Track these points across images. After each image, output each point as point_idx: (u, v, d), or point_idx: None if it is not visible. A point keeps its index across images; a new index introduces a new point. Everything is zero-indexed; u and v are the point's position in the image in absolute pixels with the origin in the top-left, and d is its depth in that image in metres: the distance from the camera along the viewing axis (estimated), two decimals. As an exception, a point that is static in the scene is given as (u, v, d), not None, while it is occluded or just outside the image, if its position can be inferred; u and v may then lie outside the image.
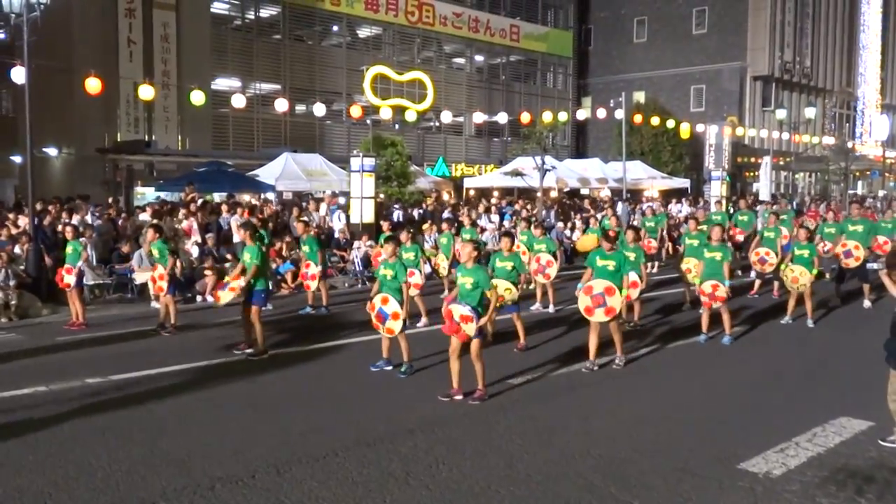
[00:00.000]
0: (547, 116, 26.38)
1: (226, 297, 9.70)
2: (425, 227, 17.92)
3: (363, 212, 19.41)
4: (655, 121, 31.40)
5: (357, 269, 16.88)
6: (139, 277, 14.12)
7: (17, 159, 28.21)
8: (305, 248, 13.10)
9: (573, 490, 5.44)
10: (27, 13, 14.42)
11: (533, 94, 43.39)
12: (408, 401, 7.70)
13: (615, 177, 31.81)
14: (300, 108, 31.36)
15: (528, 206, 24.48)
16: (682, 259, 12.84)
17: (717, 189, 28.04)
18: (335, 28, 35.81)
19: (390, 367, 8.75)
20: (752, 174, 43.78)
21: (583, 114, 35.11)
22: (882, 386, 6.45)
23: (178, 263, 11.62)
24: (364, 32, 37.01)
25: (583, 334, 9.31)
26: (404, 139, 29.77)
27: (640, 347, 10.14)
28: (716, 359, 9.72)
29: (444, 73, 39.24)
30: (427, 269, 13.41)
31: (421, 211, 24.42)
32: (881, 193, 45.33)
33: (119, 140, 27.28)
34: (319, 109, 24.40)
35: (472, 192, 32.31)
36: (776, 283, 14.09)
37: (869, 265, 13.06)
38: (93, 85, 16.85)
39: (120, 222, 16.79)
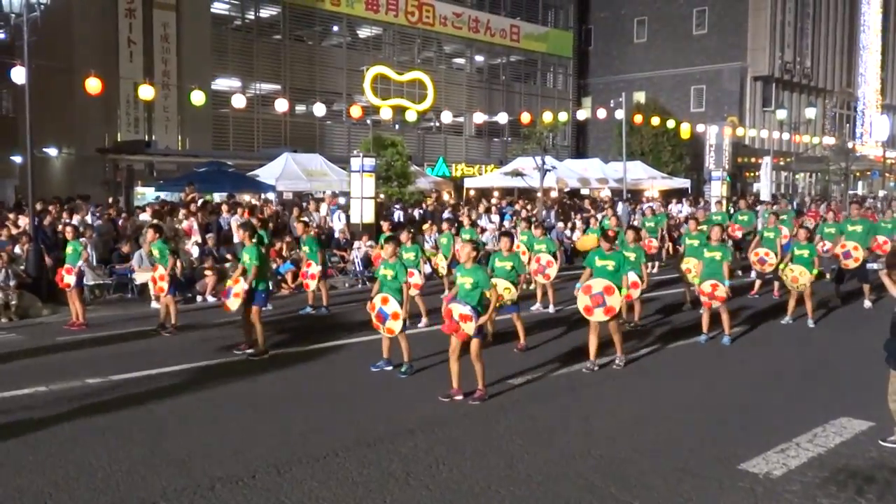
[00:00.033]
0: (547, 117, 26.39)
1: (234, 304, 9.68)
2: (425, 227, 17.93)
3: (363, 212, 19.41)
4: (656, 121, 31.41)
5: (357, 269, 16.88)
6: (139, 278, 14.12)
7: (18, 159, 28.22)
8: (305, 249, 13.11)
9: (573, 490, 5.44)
10: (27, 13, 14.42)
11: (533, 94, 43.38)
12: (408, 401, 7.70)
13: (615, 177, 31.81)
14: (300, 108, 31.37)
15: (528, 207, 24.48)
16: (683, 259, 12.85)
17: (717, 189, 28.05)
18: (335, 28, 35.81)
19: (391, 368, 8.75)
20: (752, 174, 43.78)
21: (583, 114, 35.12)
22: (882, 386, 6.45)
23: (179, 263, 11.61)
24: (364, 32, 37.01)
25: (583, 335, 9.31)
26: (404, 139, 29.77)
27: (641, 348, 10.14)
28: (716, 359, 9.72)
29: (444, 74, 39.24)
30: (427, 269, 13.41)
31: (421, 211, 24.42)
32: (881, 194, 45.32)
33: (119, 140, 27.28)
34: (319, 109, 24.41)
35: (472, 193, 32.31)
36: (776, 284, 14.09)
37: (869, 265, 13.06)
38: (93, 85, 16.86)
39: (120, 222, 16.79)
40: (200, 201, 18.58)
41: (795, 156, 41.34)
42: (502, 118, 28.67)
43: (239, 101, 21.58)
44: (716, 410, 7.44)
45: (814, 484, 5.57)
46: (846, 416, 7.05)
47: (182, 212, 16.92)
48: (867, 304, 13.46)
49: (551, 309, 12.88)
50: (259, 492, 5.38)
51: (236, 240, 15.64)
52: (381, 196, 23.37)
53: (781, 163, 42.30)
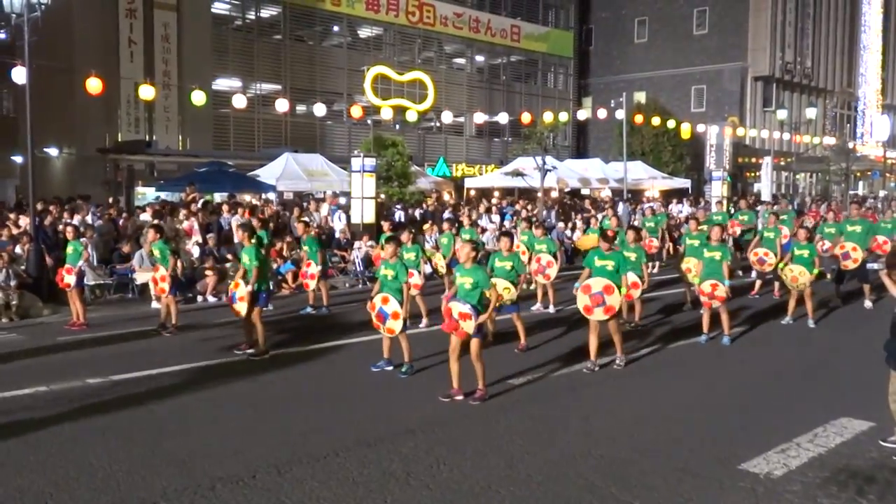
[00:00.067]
0: (548, 117, 26.40)
1: (242, 307, 9.64)
2: (426, 227, 17.93)
3: (364, 212, 19.41)
4: (656, 121, 31.41)
5: (357, 269, 16.89)
6: (140, 278, 14.13)
7: (18, 159, 28.21)
8: (306, 249, 13.11)
9: (574, 490, 5.44)
10: (28, 13, 14.42)
11: (533, 94, 43.38)
12: (408, 401, 7.70)
13: (616, 177, 31.82)
14: (301, 108, 31.37)
15: (529, 207, 24.48)
16: (683, 259, 12.85)
17: (717, 189, 28.06)
18: (336, 28, 35.82)
19: (391, 368, 8.75)
20: (752, 174, 43.77)
21: (583, 114, 35.13)
22: (883, 386, 6.45)
23: (179, 264, 11.62)
24: (365, 33, 37.01)
25: (583, 335, 9.30)
26: (405, 139, 29.77)
27: (641, 348, 10.14)
28: (716, 359, 9.72)
29: (444, 74, 39.24)
30: (427, 269, 13.41)
31: (422, 211, 24.42)
32: (882, 194, 45.30)
33: (120, 140, 27.29)
34: (320, 109, 24.42)
35: (472, 193, 32.32)
36: (776, 284, 14.09)
37: (869, 265, 13.07)
38: (93, 85, 16.86)
39: (121, 222, 16.79)
40: (201, 201, 18.59)
41: (796, 156, 41.35)
42: (503, 118, 28.68)
43: (239, 101, 21.59)
44: (716, 410, 7.44)
45: (814, 484, 5.57)
46: (847, 416, 7.05)
47: (183, 212, 16.92)
48: (868, 304, 13.46)
49: (552, 309, 12.88)
50: (259, 492, 5.38)
51: (237, 240, 15.64)
52: (382, 196, 23.37)
53: (782, 163, 42.30)
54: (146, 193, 25.72)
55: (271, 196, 23.19)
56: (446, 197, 28.88)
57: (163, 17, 28.02)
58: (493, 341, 9.86)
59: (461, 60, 41.22)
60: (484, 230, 19.28)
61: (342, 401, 7.75)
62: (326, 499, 5.29)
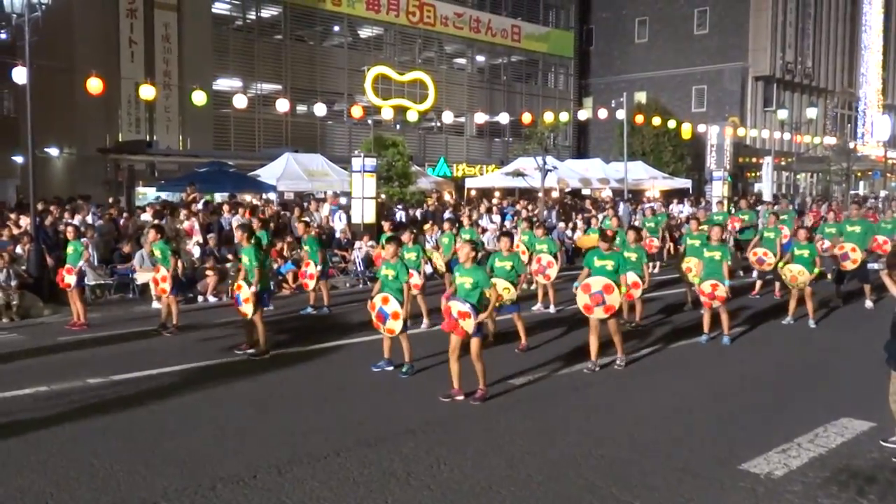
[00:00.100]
0: (548, 117, 26.40)
1: (248, 309, 9.63)
2: (426, 227, 17.93)
3: (364, 212, 19.41)
4: (657, 121, 31.40)
5: (358, 269, 16.89)
6: (140, 278, 14.13)
7: (19, 159, 28.23)
8: (307, 249, 13.12)
9: (574, 490, 5.44)
10: (28, 13, 14.43)
11: (534, 94, 43.37)
12: (409, 401, 7.70)
13: (617, 177, 31.81)
14: (301, 108, 31.38)
15: (529, 207, 24.47)
16: (683, 259, 12.86)
17: (718, 189, 28.07)
18: (336, 28, 35.82)
19: (391, 368, 8.75)
20: (753, 174, 43.75)
21: (584, 114, 35.13)
22: (883, 386, 6.45)
23: (180, 264, 11.62)
24: (365, 33, 37.01)
25: (584, 335, 9.30)
26: (405, 139, 29.76)
27: (642, 348, 10.14)
28: (717, 359, 9.71)
29: (445, 74, 39.23)
30: (428, 269, 13.41)
31: (423, 211, 24.42)
32: (883, 194, 45.29)
33: (120, 140, 27.31)
34: (321, 109, 24.42)
35: (473, 193, 32.32)
36: (777, 284, 14.09)
37: (870, 265, 13.06)
38: (94, 85, 16.87)
39: (121, 222, 16.80)
40: (202, 201, 18.59)
41: (797, 156, 41.34)
42: (503, 118, 28.68)
43: (240, 101, 21.59)
44: (716, 410, 7.44)
45: (815, 484, 5.57)
46: (847, 416, 7.04)
47: (183, 212, 16.93)
48: (868, 304, 13.46)
49: (552, 309, 12.88)
50: (260, 492, 5.38)
51: (237, 240, 15.65)
52: (382, 196, 23.38)
53: (783, 163, 42.29)
54: (147, 193, 25.74)
55: (272, 196, 23.19)
56: (447, 197, 28.87)
57: (163, 16, 28.03)
58: (494, 341, 9.86)
59: (462, 60, 41.23)
60: (484, 230, 19.28)
61: (343, 401, 7.75)
62: (327, 499, 5.29)
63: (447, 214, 20.52)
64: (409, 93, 35.81)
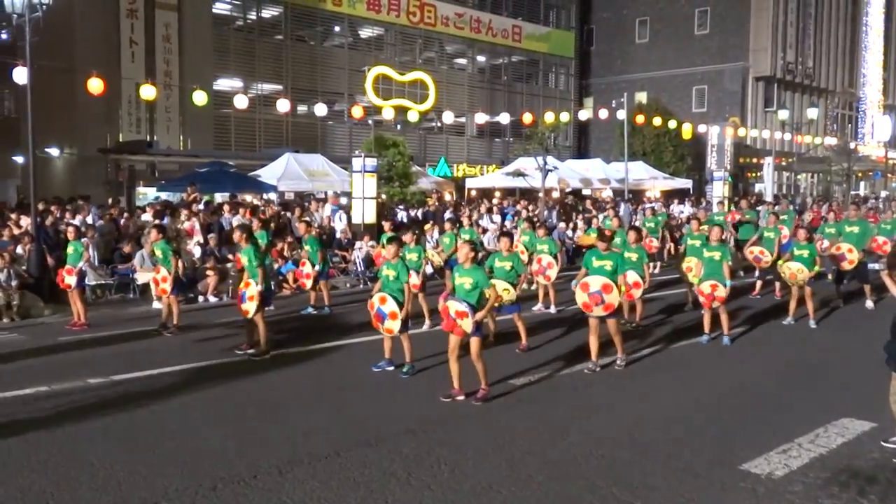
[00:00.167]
0: (549, 117, 26.43)
1: (251, 306, 9.62)
2: (427, 227, 17.93)
3: (365, 212, 19.41)
4: (657, 121, 31.43)
5: (358, 269, 16.89)
6: (141, 278, 14.13)
7: (20, 159, 28.23)
8: (307, 249, 13.12)
9: (575, 490, 5.44)
10: (29, 13, 14.42)
11: (535, 94, 43.37)
12: (409, 401, 7.70)
13: (617, 177, 31.82)
14: (302, 108, 31.39)
15: (530, 207, 24.47)
16: (684, 259, 12.86)
17: (718, 189, 28.07)
18: (337, 28, 35.83)
19: (392, 368, 8.75)
20: (754, 175, 43.76)
21: (585, 114, 35.16)
22: (884, 387, 6.44)
23: (181, 264, 11.62)
24: (366, 33, 37.02)
25: (584, 335, 9.29)
26: (406, 139, 29.75)
27: (642, 348, 10.14)
28: (717, 359, 9.71)
29: (445, 74, 39.23)
30: (429, 269, 13.41)
31: (423, 211, 24.42)
32: (883, 194, 45.28)
33: (121, 140, 27.32)
34: (321, 110, 24.44)
35: (473, 193, 32.32)
36: (777, 284, 14.10)
37: (870, 265, 13.06)
38: (95, 85, 16.89)
39: (122, 222, 16.80)
40: (202, 201, 18.59)
41: (797, 156, 41.36)
42: (504, 118, 28.72)
43: (241, 102, 21.62)
44: (717, 410, 7.43)
45: (816, 485, 5.57)
46: (848, 416, 7.04)
47: (184, 212, 16.93)
48: (869, 304, 13.46)
49: (553, 309, 12.88)
50: (261, 492, 5.38)
51: (236, 240, 15.64)
52: (383, 196, 23.38)
53: (783, 163, 42.30)
54: (147, 193, 25.74)
55: (272, 196, 23.19)
56: (447, 197, 28.87)
57: (164, 17, 28.04)
58: (495, 341, 9.86)
59: (462, 61, 41.22)
60: (485, 230, 19.28)
61: (343, 401, 7.75)
62: (328, 499, 5.29)
63: (448, 214, 20.52)
64: (410, 93, 35.81)
